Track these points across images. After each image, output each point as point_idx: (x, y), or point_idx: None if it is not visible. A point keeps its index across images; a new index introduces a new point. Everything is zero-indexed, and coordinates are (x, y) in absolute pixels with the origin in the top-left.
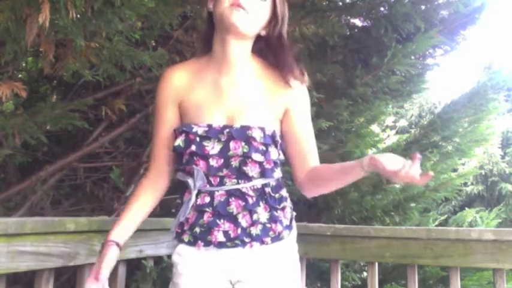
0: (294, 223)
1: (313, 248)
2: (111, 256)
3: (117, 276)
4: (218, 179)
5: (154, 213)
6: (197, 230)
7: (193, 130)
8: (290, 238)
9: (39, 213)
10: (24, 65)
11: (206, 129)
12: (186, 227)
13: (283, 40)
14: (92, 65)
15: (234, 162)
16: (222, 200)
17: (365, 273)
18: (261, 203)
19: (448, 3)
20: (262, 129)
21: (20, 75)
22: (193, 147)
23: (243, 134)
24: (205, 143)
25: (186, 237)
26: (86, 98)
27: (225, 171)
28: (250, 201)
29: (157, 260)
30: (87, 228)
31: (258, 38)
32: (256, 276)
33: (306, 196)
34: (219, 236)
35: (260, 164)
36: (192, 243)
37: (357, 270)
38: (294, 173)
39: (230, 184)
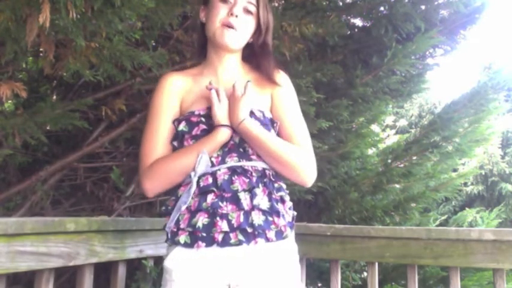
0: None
1: (313, 248)
2: None
3: (117, 276)
4: (220, 159)
5: (154, 213)
6: (199, 224)
7: (196, 113)
8: (292, 237)
9: (39, 213)
10: (24, 65)
11: (207, 111)
12: (183, 224)
13: (267, 48)
14: (92, 65)
15: (235, 138)
16: (226, 178)
17: (365, 273)
18: (260, 185)
19: (448, 3)
20: (262, 112)
21: (20, 75)
22: (202, 126)
23: None
24: (210, 122)
25: (182, 238)
26: (86, 98)
27: (229, 145)
28: (252, 179)
29: (157, 260)
30: (87, 228)
31: (246, 45)
32: (256, 279)
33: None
34: (224, 226)
35: None
36: (190, 244)
37: (357, 270)
38: None
39: (232, 162)
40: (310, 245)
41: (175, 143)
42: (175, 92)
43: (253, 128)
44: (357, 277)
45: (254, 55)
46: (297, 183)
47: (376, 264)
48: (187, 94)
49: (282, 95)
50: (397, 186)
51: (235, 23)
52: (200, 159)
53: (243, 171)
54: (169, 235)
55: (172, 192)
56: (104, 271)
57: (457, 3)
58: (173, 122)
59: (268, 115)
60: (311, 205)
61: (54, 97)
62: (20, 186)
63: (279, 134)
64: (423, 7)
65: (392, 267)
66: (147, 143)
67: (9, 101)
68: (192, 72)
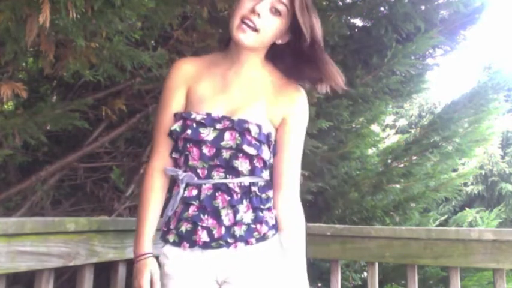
0: None
1: (313, 248)
2: (155, 268)
3: (117, 276)
4: (206, 172)
5: None
6: (183, 229)
7: (192, 116)
8: (276, 238)
9: (39, 213)
10: (24, 65)
11: (204, 117)
12: (172, 225)
13: (318, 47)
14: (92, 65)
15: (225, 154)
16: (209, 193)
17: (365, 273)
18: (244, 201)
19: (448, 3)
20: (259, 127)
21: (20, 75)
22: (188, 131)
23: (240, 126)
24: (201, 130)
25: (171, 237)
26: (86, 98)
27: (215, 161)
28: (235, 197)
29: (158, 259)
30: (87, 228)
31: (275, 46)
32: (241, 276)
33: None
34: (203, 236)
35: (251, 160)
36: (178, 243)
37: (357, 270)
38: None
39: (218, 178)
40: (310, 245)
41: (171, 137)
42: (182, 80)
43: None
44: (357, 277)
45: (301, 56)
46: None
47: (376, 264)
48: (196, 83)
49: (294, 125)
50: (397, 186)
51: (257, 22)
52: (184, 177)
53: (227, 189)
54: (161, 234)
55: (171, 189)
56: (104, 271)
57: (457, 3)
58: (174, 115)
59: (266, 130)
60: (311, 205)
61: (54, 97)
62: (20, 186)
63: (273, 157)
64: (423, 7)
65: (392, 267)
66: (154, 135)
67: (9, 101)
68: (209, 58)
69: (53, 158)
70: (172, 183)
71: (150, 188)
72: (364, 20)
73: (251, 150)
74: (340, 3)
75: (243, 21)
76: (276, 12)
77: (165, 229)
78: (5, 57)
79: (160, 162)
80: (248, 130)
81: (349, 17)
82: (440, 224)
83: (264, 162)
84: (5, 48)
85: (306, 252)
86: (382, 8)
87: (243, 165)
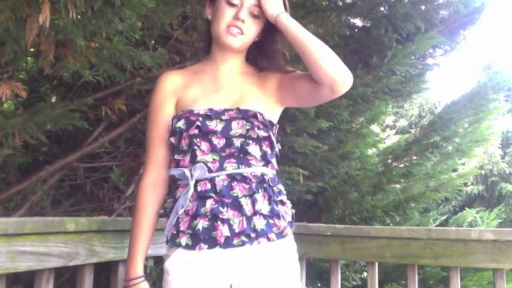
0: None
1: (313, 248)
2: None
3: (117, 276)
4: (218, 164)
5: None
6: (199, 227)
7: (195, 112)
8: (291, 235)
9: (39, 213)
10: (24, 65)
11: (208, 112)
12: (183, 227)
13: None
14: (92, 65)
15: (236, 142)
16: (225, 184)
17: (365, 273)
18: (260, 191)
19: (448, 3)
20: (262, 114)
21: (20, 75)
22: (198, 123)
23: (245, 114)
24: (207, 122)
25: (183, 240)
26: (86, 98)
27: (227, 151)
28: (252, 185)
29: (157, 260)
30: (87, 228)
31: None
32: (258, 278)
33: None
34: (224, 231)
35: (260, 146)
36: (191, 246)
37: (357, 270)
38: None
39: (231, 169)
40: (310, 245)
41: (172, 140)
42: (170, 92)
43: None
44: (357, 277)
45: (262, 53)
46: (329, 87)
47: (376, 264)
48: (185, 90)
49: (283, 71)
50: (397, 186)
51: (243, 27)
52: (195, 167)
53: (242, 178)
54: (169, 237)
55: (171, 193)
56: (104, 271)
57: (457, 3)
58: (172, 119)
59: (268, 117)
60: (311, 205)
61: (54, 97)
62: (20, 186)
63: (298, 80)
64: (423, 7)
65: (392, 267)
66: (146, 148)
67: (9, 101)
68: (192, 68)
69: (53, 158)
70: (174, 186)
71: (142, 207)
72: (364, 20)
73: (261, 133)
74: (340, 3)
75: (228, 28)
76: (254, 16)
77: (175, 232)
78: (5, 57)
79: (154, 175)
80: (254, 116)
81: (349, 17)
82: (440, 224)
83: (272, 146)
84: (5, 48)
85: (305, 251)
86: (382, 8)
87: (255, 151)
